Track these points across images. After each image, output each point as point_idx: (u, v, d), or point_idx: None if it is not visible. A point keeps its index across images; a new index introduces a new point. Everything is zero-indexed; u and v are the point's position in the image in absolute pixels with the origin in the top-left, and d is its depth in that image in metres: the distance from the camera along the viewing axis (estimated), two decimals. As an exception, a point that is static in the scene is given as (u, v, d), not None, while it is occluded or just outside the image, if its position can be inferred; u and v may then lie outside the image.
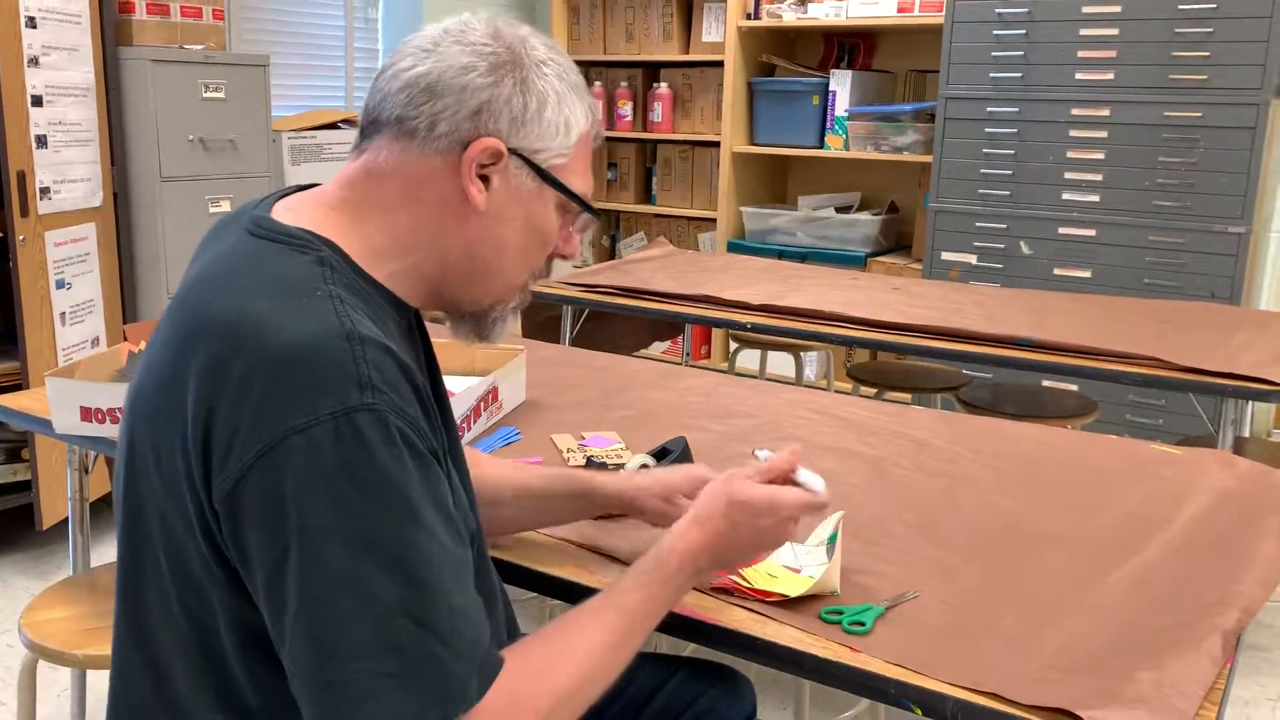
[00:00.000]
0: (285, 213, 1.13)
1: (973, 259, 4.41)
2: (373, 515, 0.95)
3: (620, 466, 1.63)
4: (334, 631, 0.94)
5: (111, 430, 1.93)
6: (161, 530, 1.05)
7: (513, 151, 1.12)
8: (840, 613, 1.33)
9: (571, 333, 3.34)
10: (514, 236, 1.13)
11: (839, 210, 5.06)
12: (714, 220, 5.36)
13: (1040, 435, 2.03)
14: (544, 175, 1.14)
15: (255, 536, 0.96)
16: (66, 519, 3.25)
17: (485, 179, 1.12)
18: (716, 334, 5.45)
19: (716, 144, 5.34)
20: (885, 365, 3.96)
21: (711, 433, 1.97)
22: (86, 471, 2.22)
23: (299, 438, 0.93)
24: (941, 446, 1.93)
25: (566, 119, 1.14)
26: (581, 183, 1.17)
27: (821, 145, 5.06)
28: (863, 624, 1.31)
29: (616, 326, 3.69)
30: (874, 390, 3.74)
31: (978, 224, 4.38)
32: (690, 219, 5.49)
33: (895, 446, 1.94)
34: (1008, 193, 4.31)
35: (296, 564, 0.94)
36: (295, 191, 1.18)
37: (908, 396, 4.05)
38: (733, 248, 5.22)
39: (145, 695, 1.11)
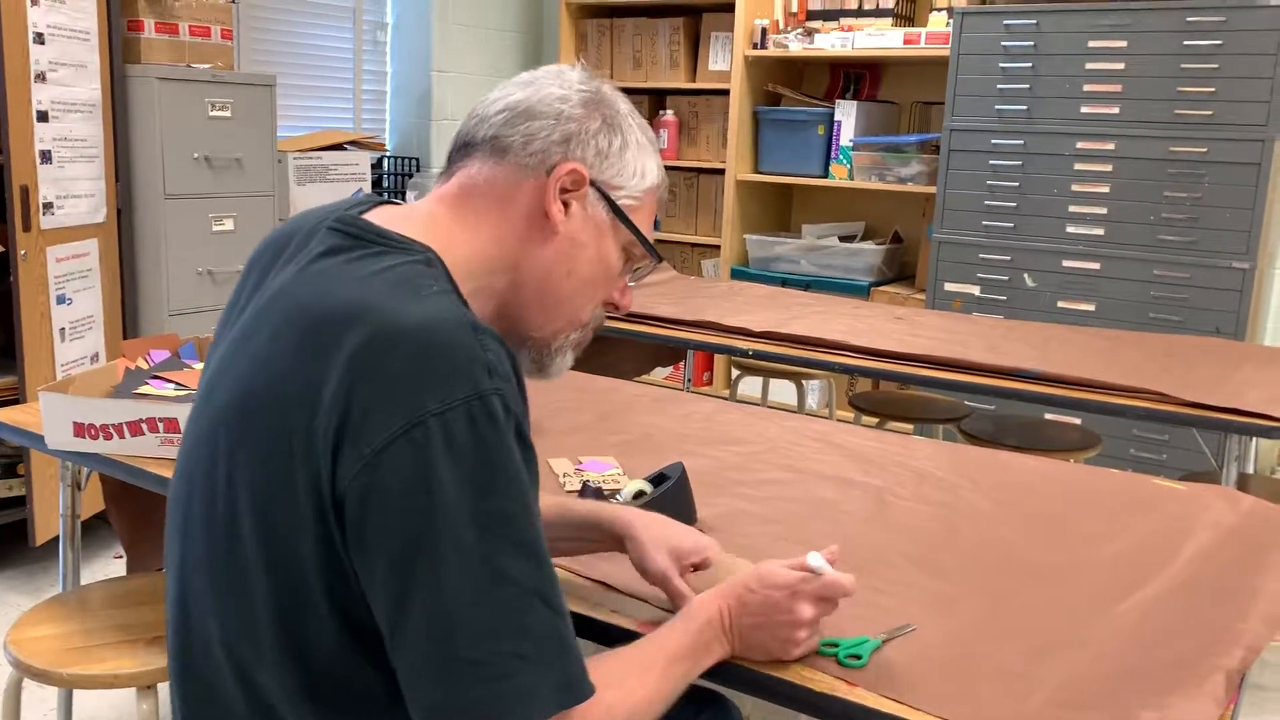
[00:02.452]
0: (380, 221, 1.18)
1: (976, 290, 4.40)
2: (504, 497, 0.97)
3: (615, 493, 1.63)
4: (469, 609, 0.95)
5: (105, 446, 1.90)
6: (259, 532, 1.05)
7: (593, 183, 1.20)
8: (836, 645, 1.31)
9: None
10: (584, 267, 1.18)
11: (843, 239, 5.07)
12: (718, 247, 5.36)
13: (1042, 468, 2.02)
14: (618, 211, 1.21)
15: (383, 520, 0.97)
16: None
17: (566, 205, 1.19)
18: (719, 361, 5.45)
19: (722, 171, 5.33)
20: (888, 395, 3.93)
21: (710, 458, 1.96)
22: (79, 488, 2.20)
23: (436, 420, 0.95)
24: (942, 477, 1.92)
25: (644, 166, 1.23)
26: (647, 231, 1.25)
27: (826, 175, 5.05)
28: (859, 657, 1.29)
29: (618, 351, 3.67)
30: (876, 420, 3.68)
31: (981, 255, 4.37)
32: (694, 245, 5.49)
33: (896, 476, 1.93)
34: (1011, 225, 4.30)
35: (430, 543, 0.95)
36: (374, 205, 1.23)
37: (909, 427, 4.05)
38: (736, 275, 5.21)
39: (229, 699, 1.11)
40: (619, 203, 1.21)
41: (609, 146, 1.20)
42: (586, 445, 2.04)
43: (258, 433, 1.05)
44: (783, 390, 5.06)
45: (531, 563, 0.98)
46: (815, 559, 1.24)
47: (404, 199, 4.87)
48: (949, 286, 4.46)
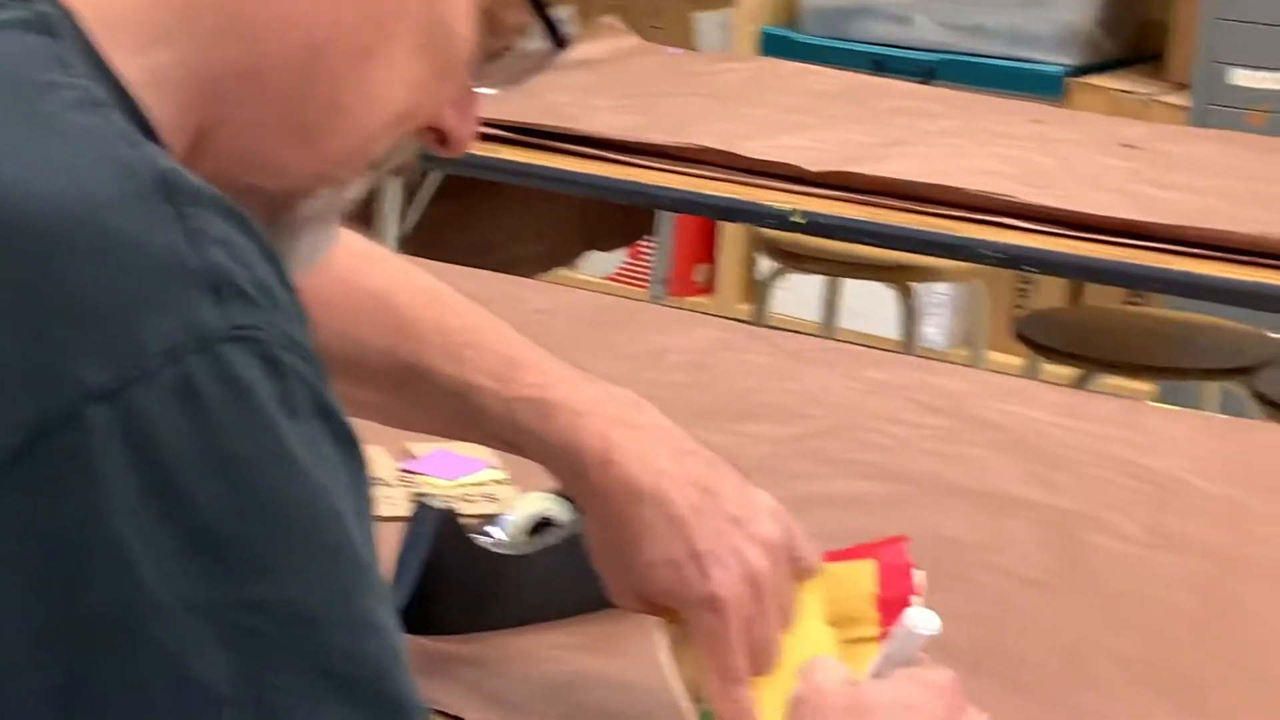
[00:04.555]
0: None
1: None
2: (289, 572, 0.66)
3: (490, 520, 1.24)
4: None
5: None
6: None
7: None
8: None
9: (405, 222, 2.73)
10: (392, 41, 0.82)
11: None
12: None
13: None
14: None
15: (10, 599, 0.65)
16: None
17: None
18: (728, 238, 4.33)
19: None
20: (1099, 317, 3.40)
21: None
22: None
23: (103, 412, 0.63)
24: (1210, 493, 1.52)
25: None
26: None
27: None
28: None
29: (507, 214, 2.98)
30: (1073, 370, 2.94)
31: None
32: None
33: (1109, 491, 1.51)
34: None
35: (105, 669, 0.63)
36: None
37: (1147, 386, 3.37)
38: (772, 45, 4.05)
39: None
40: None
41: None
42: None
43: None
44: (869, 304, 3.89)
45: (377, 718, 0.66)
46: (925, 620, 0.93)
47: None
48: (1240, 78, 3.67)
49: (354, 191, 0.86)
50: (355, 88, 0.81)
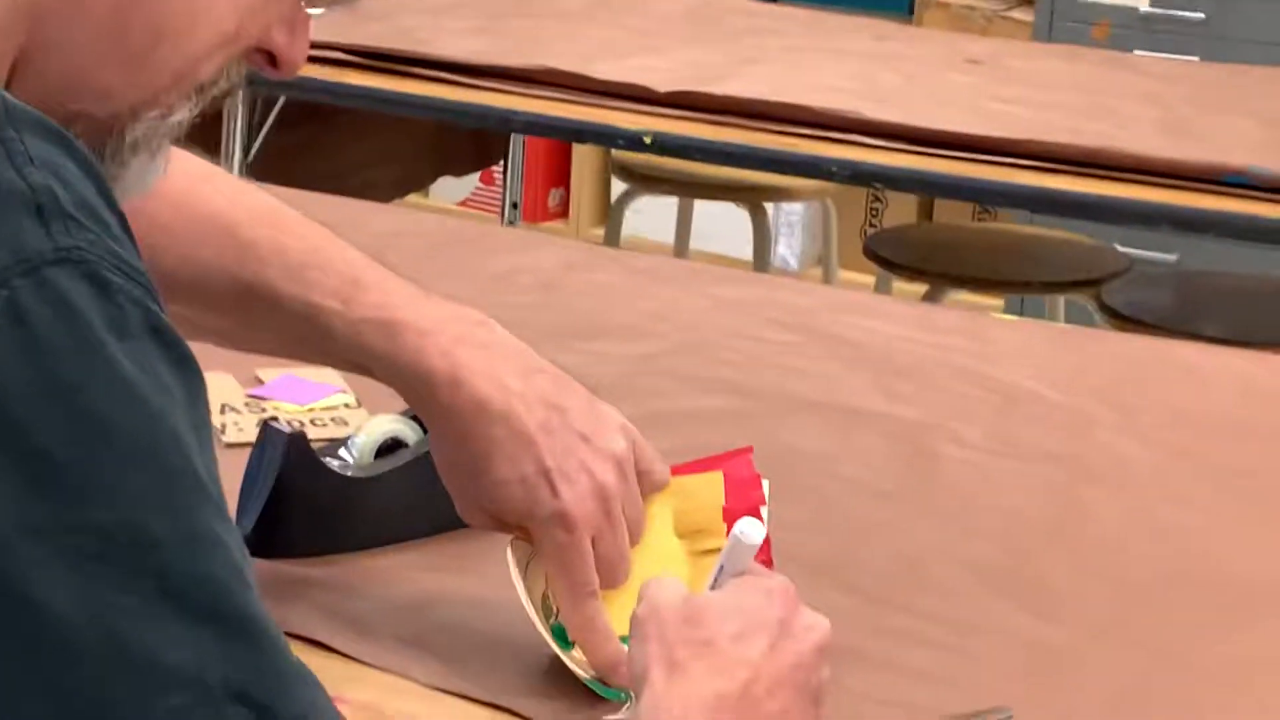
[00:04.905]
0: None
1: (1143, 2, 3.76)
2: (125, 496, 0.65)
3: (340, 444, 1.21)
4: None
5: None
6: None
7: None
8: None
9: (249, 149, 2.68)
10: None
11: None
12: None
13: (1272, 381, 1.64)
14: None
15: None
16: None
17: None
18: (581, 160, 4.43)
19: None
20: (948, 233, 3.49)
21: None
22: None
23: None
24: (1058, 402, 1.54)
25: None
26: None
27: None
28: None
29: (358, 140, 2.97)
30: (920, 285, 2.95)
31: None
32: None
33: (956, 402, 1.54)
34: None
35: None
36: None
37: (995, 300, 3.51)
38: None
39: None
40: None
41: None
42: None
43: None
44: (722, 225, 3.97)
45: (220, 635, 0.65)
46: (753, 530, 0.92)
47: None
48: (1086, -10, 3.90)
49: (183, 115, 0.84)
50: (179, 8, 0.81)
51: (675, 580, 0.92)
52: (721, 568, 0.91)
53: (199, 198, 1.07)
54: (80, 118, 0.80)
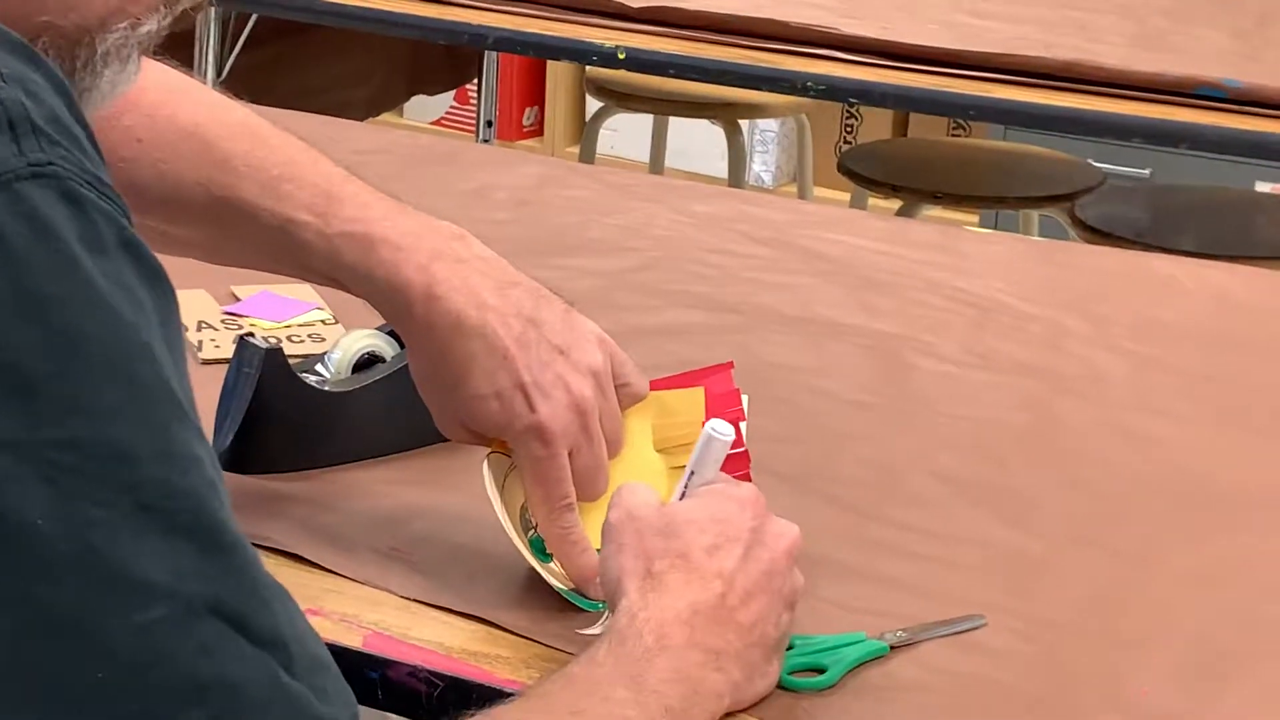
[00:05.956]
0: None
1: None
2: (102, 413, 0.65)
3: (318, 360, 1.21)
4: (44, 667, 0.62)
5: None
6: None
7: None
8: (791, 647, 0.97)
9: (222, 68, 2.69)
10: None
11: None
12: None
13: (1244, 292, 1.64)
14: None
15: None
16: None
17: None
18: (555, 78, 4.45)
19: None
20: (923, 148, 3.47)
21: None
22: None
23: None
24: (1032, 314, 1.55)
25: None
26: None
27: None
28: (823, 670, 0.96)
29: (331, 58, 2.99)
30: (894, 201, 2.96)
31: None
32: None
33: (932, 316, 1.54)
34: None
35: None
36: None
37: (969, 215, 3.53)
38: None
39: None
40: None
41: None
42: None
43: None
44: (697, 142, 4.02)
45: (196, 549, 0.66)
46: (725, 429, 0.95)
47: None
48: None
49: (153, 26, 0.82)
50: None
51: (647, 486, 0.92)
52: (692, 473, 0.92)
53: (173, 109, 1.05)
54: (48, 29, 0.77)
